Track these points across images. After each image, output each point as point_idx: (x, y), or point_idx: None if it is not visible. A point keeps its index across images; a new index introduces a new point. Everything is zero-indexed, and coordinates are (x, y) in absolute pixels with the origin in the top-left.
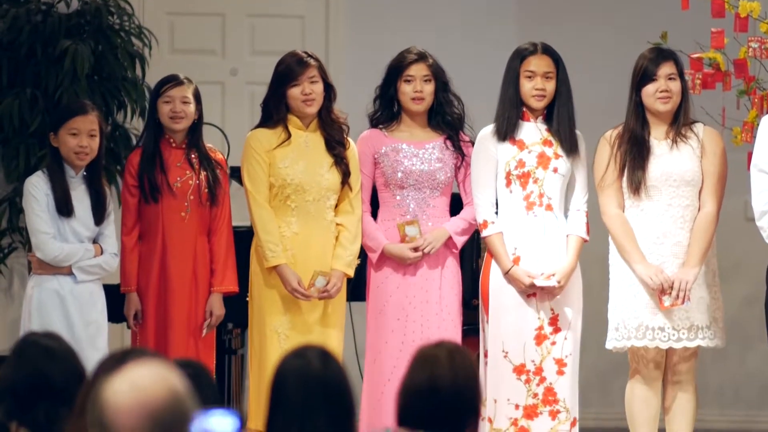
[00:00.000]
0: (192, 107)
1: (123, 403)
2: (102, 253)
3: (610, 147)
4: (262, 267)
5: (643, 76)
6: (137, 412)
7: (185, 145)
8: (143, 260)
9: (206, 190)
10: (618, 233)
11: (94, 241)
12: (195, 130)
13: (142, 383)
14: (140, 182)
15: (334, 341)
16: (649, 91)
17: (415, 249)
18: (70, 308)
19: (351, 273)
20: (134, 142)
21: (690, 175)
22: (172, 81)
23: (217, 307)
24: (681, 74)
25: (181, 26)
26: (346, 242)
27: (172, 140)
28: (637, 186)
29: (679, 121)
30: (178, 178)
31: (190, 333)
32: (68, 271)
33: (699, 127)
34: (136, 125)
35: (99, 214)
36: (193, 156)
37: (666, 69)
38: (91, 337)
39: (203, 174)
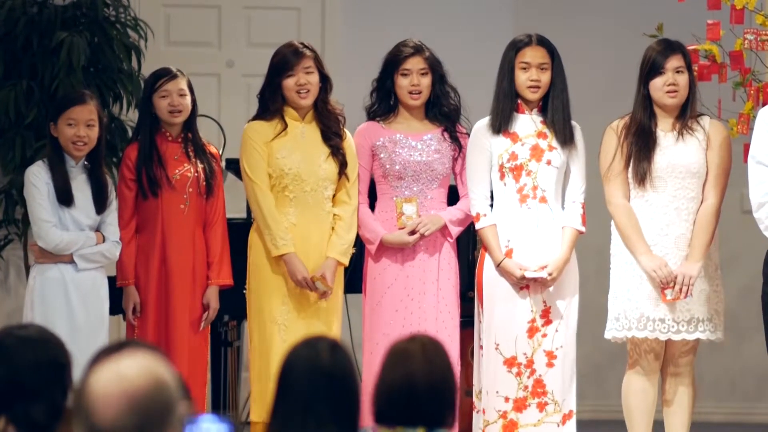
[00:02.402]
0: (188, 99)
1: (106, 392)
2: (104, 241)
3: (617, 137)
4: (259, 258)
5: (651, 69)
6: (119, 401)
7: (181, 138)
8: (143, 254)
9: (204, 182)
10: (623, 223)
11: (97, 230)
12: (190, 121)
13: (127, 373)
14: (138, 176)
15: (333, 329)
16: (657, 84)
17: (412, 232)
18: (72, 297)
19: (346, 262)
20: (130, 134)
21: (696, 167)
22: (166, 75)
23: (213, 300)
24: (689, 67)
25: (177, 18)
26: (341, 231)
27: (168, 133)
28: (642, 177)
29: (687, 114)
30: (177, 171)
31: (190, 326)
32: (69, 260)
33: (705, 120)
34: (132, 117)
35: (100, 203)
36: (189, 148)
37: (674, 62)
38: (92, 326)
39: (200, 165)
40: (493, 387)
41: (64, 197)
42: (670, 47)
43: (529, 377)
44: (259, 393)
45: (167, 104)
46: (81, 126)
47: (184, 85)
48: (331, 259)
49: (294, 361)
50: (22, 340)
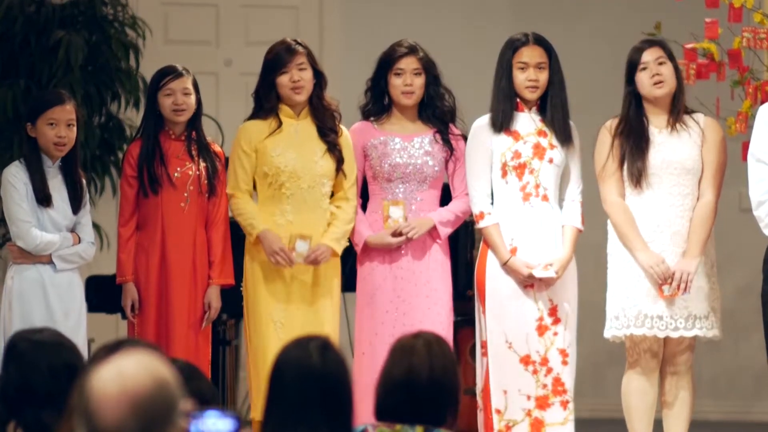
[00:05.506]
0: (193, 98)
1: (107, 391)
2: (80, 241)
3: (611, 136)
4: (254, 257)
5: (633, 66)
6: (121, 399)
7: (185, 136)
8: (143, 251)
9: (205, 181)
10: (620, 221)
11: (72, 231)
12: (194, 120)
13: (128, 372)
14: (139, 174)
15: (329, 327)
16: (642, 79)
17: (399, 234)
18: (50, 298)
19: (338, 249)
20: (128, 132)
21: (690, 163)
22: (171, 73)
23: (215, 299)
24: (671, 58)
25: (175, 17)
26: (338, 221)
27: (171, 132)
28: (638, 176)
29: (678, 107)
30: (178, 169)
31: (190, 324)
32: (48, 260)
33: (700, 117)
34: (130, 116)
35: (76, 203)
36: (192, 147)
37: (653, 53)
38: (72, 327)
39: (202, 164)
40: (514, 386)
41: (43, 197)
42: (647, 42)
43: (546, 375)
44: (257, 390)
45: (171, 103)
46: (62, 126)
47: (188, 84)
48: (324, 245)
49: (285, 362)
50: (37, 345)
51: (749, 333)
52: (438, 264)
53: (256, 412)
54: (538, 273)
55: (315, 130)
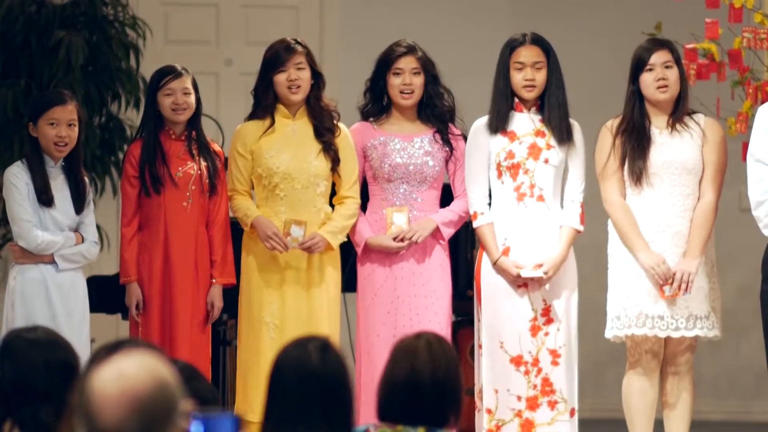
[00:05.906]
0: (192, 98)
1: (107, 391)
2: (83, 241)
3: (612, 136)
4: (249, 257)
5: (639, 66)
6: (121, 400)
7: (185, 136)
8: (146, 251)
9: (207, 180)
10: (621, 221)
11: (75, 230)
12: (194, 119)
13: (128, 372)
14: (141, 174)
15: (325, 328)
16: (647, 81)
17: (401, 239)
18: (53, 298)
19: (333, 243)
20: (129, 132)
21: (691, 163)
22: (171, 73)
23: (217, 298)
24: (678, 62)
25: (176, 17)
26: (338, 215)
27: (171, 132)
28: (638, 176)
29: (680, 110)
30: (180, 169)
31: (193, 324)
32: (50, 260)
33: (700, 117)
34: (130, 116)
35: (79, 203)
36: (193, 146)
37: (661, 56)
38: (74, 327)
39: (203, 164)
40: (504, 385)
41: (44, 197)
42: (657, 43)
43: (536, 376)
44: (243, 390)
45: (171, 102)
46: (63, 126)
47: (188, 84)
48: (319, 235)
49: (284, 363)
50: (31, 343)
51: (749, 333)
52: (438, 264)
53: (243, 409)
54: (526, 273)
55: (312, 130)
